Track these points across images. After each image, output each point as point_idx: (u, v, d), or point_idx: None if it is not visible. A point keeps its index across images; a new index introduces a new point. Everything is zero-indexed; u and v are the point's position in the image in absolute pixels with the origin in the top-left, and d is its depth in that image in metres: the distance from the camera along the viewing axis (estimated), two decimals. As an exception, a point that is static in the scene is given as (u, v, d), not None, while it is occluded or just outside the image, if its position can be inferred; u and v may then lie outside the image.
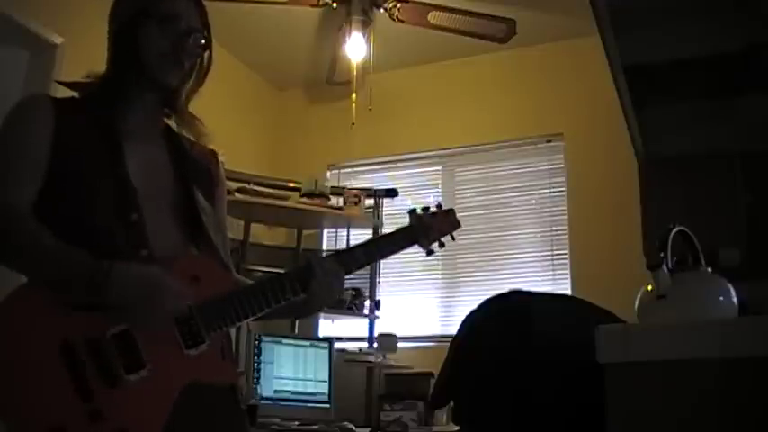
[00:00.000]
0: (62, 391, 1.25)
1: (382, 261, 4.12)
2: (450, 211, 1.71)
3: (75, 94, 1.53)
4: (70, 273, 1.30)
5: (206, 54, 1.55)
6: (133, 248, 1.38)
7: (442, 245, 1.68)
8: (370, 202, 4.15)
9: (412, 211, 1.66)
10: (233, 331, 3.23)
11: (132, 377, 1.29)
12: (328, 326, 4.10)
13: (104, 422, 1.25)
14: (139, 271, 1.31)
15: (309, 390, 3.34)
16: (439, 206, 1.70)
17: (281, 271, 1.53)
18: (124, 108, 1.50)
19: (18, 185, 1.37)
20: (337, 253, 1.59)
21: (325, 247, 4.54)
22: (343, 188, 4.16)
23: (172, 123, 1.60)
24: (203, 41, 1.53)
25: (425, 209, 1.67)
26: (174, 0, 1.50)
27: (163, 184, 1.50)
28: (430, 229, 1.64)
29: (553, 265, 4.19)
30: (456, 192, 4.55)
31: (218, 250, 1.51)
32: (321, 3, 3.72)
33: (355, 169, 4.87)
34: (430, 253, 1.66)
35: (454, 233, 1.71)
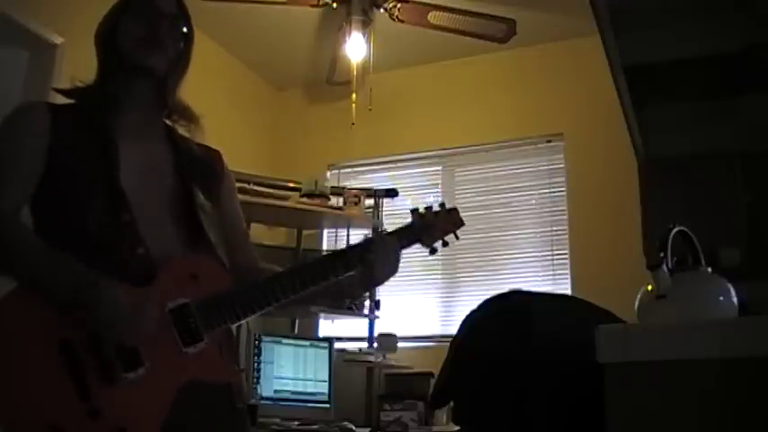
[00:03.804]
0: (60, 389, 1.25)
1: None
2: (454, 210, 1.69)
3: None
4: (54, 279, 1.30)
5: (188, 39, 1.55)
6: (129, 247, 1.38)
7: (445, 244, 1.67)
8: (370, 202, 4.15)
9: (414, 210, 1.65)
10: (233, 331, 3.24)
11: (131, 375, 1.29)
12: (328, 326, 4.10)
13: (103, 420, 1.25)
14: (122, 294, 1.30)
15: (309, 390, 3.34)
16: (442, 205, 1.68)
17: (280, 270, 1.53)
18: (118, 106, 1.50)
19: (8, 190, 1.38)
20: (393, 232, 1.61)
21: (325, 247, 4.54)
22: (343, 188, 4.15)
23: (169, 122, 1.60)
24: (184, 28, 1.54)
25: (428, 207, 1.66)
26: None
27: (161, 183, 1.50)
28: (433, 227, 1.64)
29: (553, 265, 4.19)
30: (456, 192, 4.55)
31: (216, 249, 1.50)
32: (321, 3, 3.72)
33: (355, 169, 4.87)
34: (433, 252, 1.65)
35: (458, 232, 1.69)
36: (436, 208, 1.67)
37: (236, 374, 1.54)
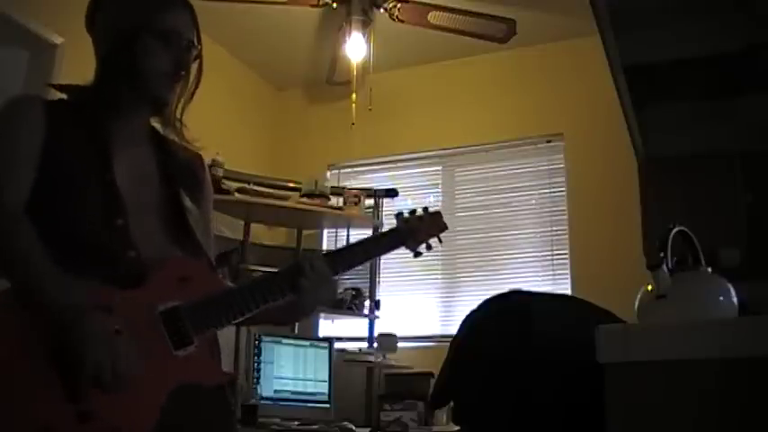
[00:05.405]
0: (52, 392, 1.24)
1: (382, 261, 4.15)
2: (437, 214, 1.73)
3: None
4: (43, 293, 1.27)
5: (196, 63, 1.55)
6: (120, 250, 1.37)
7: (429, 247, 1.71)
8: (370, 202, 4.15)
9: (399, 215, 1.69)
10: (233, 331, 3.24)
11: None
12: (328, 326, 4.10)
13: (94, 423, 1.25)
14: (105, 335, 1.26)
15: (309, 390, 3.34)
16: (425, 209, 1.72)
17: (273, 271, 1.53)
18: (114, 115, 1.49)
19: (10, 186, 1.36)
20: (326, 254, 1.60)
21: (325, 247, 4.54)
22: (343, 188, 4.16)
23: (158, 126, 1.59)
24: (196, 51, 1.54)
25: (412, 212, 1.70)
26: (175, 15, 1.49)
27: (149, 188, 1.49)
28: (417, 231, 1.68)
29: (553, 265, 4.19)
30: (456, 192, 4.55)
31: (206, 252, 1.50)
32: (321, 3, 3.72)
33: (355, 169, 4.88)
34: (417, 255, 1.69)
35: (442, 235, 1.73)
36: (420, 212, 1.71)
37: (226, 376, 1.53)
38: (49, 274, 1.29)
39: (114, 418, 1.26)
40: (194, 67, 1.55)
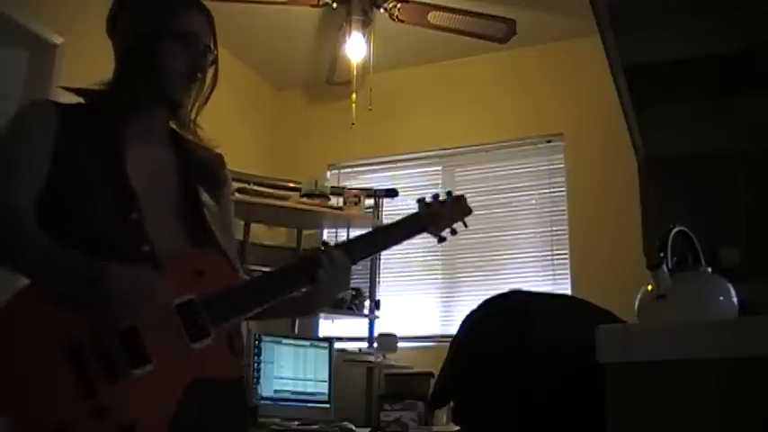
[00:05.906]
0: (67, 388, 1.25)
1: (382, 261, 4.15)
2: (461, 198, 1.72)
3: (80, 100, 1.53)
4: (66, 268, 1.29)
5: (213, 67, 1.56)
6: (135, 245, 1.38)
7: (454, 232, 1.70)
8: (370, 202, 4.15)
9: (421, 200, 1.68)
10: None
11: (137, 372, 1.28)
12: (328, 326, 4.10)
13: (110, 418, 1.25)
14: (133, 271, 1.30)
15: (309, 390, 3.34)
16: (449, 193, 1.71)
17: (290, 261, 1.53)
18: (131, 114, 1.50)
19: (21, 188, 1.37)
20: (343, 243, 1.59)
21: (325, 247, 4.53)
22: (343, 188, 4.16)
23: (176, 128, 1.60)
24: (213, 57, 1.56)
25: (435, 197, 1.69)
26: (192, 17, 1.51)
27: (166, 185, 1.50)
28: (440, 216, 1.67)
29: (553, 265, 4.19)
30: (456, 192, 4.54)
31: (223, 248, 1.51)
32: (321, 3, 3.72)
33: (355, 169, 4.88)
34: (441, 240, 1.68)
35: (466, 219, 1.72)
36: (443, 196, 1.70)
37: (243, 369, 1.53)
38: (68, 252, 1.30)
39: (130, 412, 1.27)
40: (210, 71, 1.56)
